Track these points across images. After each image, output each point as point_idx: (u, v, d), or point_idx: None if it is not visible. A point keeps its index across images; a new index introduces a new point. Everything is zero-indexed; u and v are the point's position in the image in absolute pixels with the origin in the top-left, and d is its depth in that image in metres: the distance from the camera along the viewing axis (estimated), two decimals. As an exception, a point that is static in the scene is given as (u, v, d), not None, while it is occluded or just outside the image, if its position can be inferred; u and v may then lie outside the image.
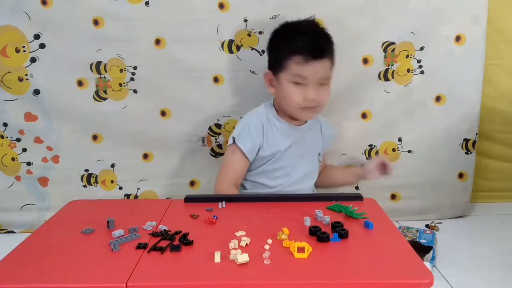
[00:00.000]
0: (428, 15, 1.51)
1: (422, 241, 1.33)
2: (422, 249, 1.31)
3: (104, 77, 1.51)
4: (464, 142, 1.62)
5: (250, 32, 1.49)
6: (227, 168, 1.35)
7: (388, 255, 0.87)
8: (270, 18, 1.48)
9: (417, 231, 1.38)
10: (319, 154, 1.44)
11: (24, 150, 1.56)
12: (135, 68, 1.51)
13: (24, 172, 1.58)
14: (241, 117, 1.40)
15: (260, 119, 1.35)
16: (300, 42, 1.28)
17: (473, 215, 1.70)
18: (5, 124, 1.53)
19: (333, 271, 0.82)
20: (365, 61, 1.54)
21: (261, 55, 1.49)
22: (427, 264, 1.25)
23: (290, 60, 1.27)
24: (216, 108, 1.55)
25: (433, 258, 1.30)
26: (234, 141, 1.32)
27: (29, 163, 1.57)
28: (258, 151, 1.34)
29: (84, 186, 1.60)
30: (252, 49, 1.50)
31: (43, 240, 0.95)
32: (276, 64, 1.31)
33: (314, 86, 1.28)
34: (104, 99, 1.53)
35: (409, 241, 1.27)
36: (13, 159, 1.56)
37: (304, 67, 1.26)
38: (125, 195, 1.62)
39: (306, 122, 1.39)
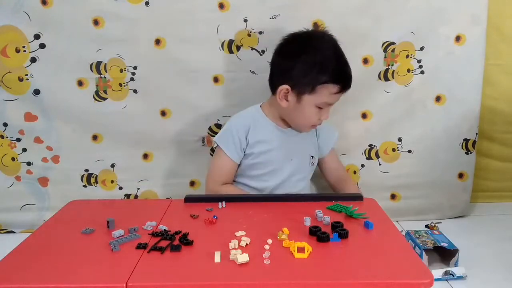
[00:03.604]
0: (428, 15, 1.51)
1: (443, 244, 1.29)
2: (445, 253, 1.29)
3: (104, 77, 1.51)
4: (464, 142, 1.62)
5: (250, 32, 1.49)
6: (213, 170, 1.37)
7: (388, 255, 0.87)
8: (270, 18, 1.48)
9: (426, 233, 1.38)
10: (312, 156, 1.42)
11: (24, 150, 1.56)
12: (135, 68, 1.51)
13: (24, 172, 1.57)
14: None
15: (244, 121, 1.35)
16: (338, 70, 1.26)
17: (473, 215, 1.70)
18: (5, 124, 1.53)
19: (333, 271, 0.82)
20: (365, 61, 1.54)
21: (261, 55, 1.49)
22: (459, 270, 1.23)
23: (324, 88, 1.24)
24: (216, 108, 1.55)
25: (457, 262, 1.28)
26: (217, 142, 1.35)
27: (29, 163, 1.57)
28: (245, 151, 1.35)
29: (84, 186, 1.60)
30: (252, 49, 1.50)
31: (43, 240, 0.95)
32: (301, 82, 1.25)
33: (328, 108, 1.31)
34: (104, 99, 1.53)
35: (432, 248, 1.27)
36: (13, 159, 1.56)
37: (335, 97, 1.28)
38: (125, 195, 1.62)
39: None
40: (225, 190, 1.33)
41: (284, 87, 1.27)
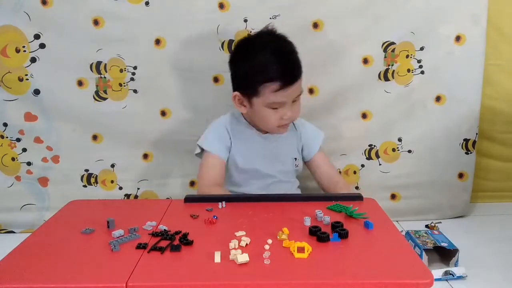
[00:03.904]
0: (428, 15, 1.51)
1: (443, 244, 1.29)
2: (445, 253, 1.30)
3: (104, 77, 1.51)
4: (464, 142, 1.62)
5: (250, 32, 1.49)
6: (202, 173, 1.33)
7: (388, 255, 0.87)
8: (270, 18, 1.48)
9: (426, 233, 1.38)
10: (295, 159, 1.40)
11: (24, 150, 1.56)
12: (135, 68, 1.51)
13: (24, 172, 1.58)
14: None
15: (224, 124, 1.35)
16: (273, 71, 1.20)
17: (473, 215, 1.70)
18: (5, 124, 1.53)
19: (333, 271, 0.82)
20: (365, 61, 1.54)
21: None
22: (459, 270, 1.23)
23: (265, 88, 1.21)
24: (216, 108, 1.55)
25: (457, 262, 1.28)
26: (202, 150, 1.34)
27: (29, 163, 1.57)
28: (230, 150, 1.33)
29: (84, 186, 1.60)
30: (252, 49, 1.50)
31: (43, 240, 0.95)
32: (247, 89, 1.25)
33: (289, 105, 1.26)
34: (104, 99, 1.53)
35: (432, 248, 1.27)
36: (13, 159, 1.56)
37: (280, 94, 1.22)
38: (125, 195, 1.62)
39: None
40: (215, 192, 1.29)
41: (236, 94, 1.28)
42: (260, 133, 1.36)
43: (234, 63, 1.31)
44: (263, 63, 1.22)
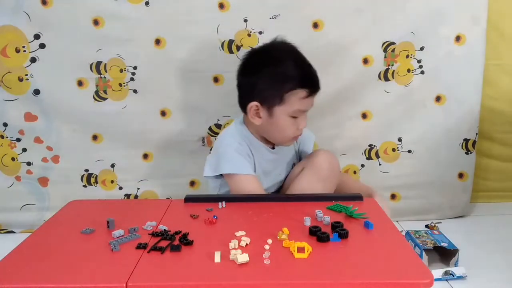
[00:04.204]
0: (428, 15, 1.51)
1: (443, 244, 1.30)
2: (445, 253, 1.30)
3: (104, 77, 1.51)
4: (464, 142, 1.62)
5: (250, 32, 1.49)
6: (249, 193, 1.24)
7: (388, 255, 0.87)
8: (270, 18, 1.48)
9: (426, 233, 1.38)
10: (294, 164, 1.39)
11: (24, 150, 1.56)
12: (135, 68, 1.51)
13: (24, 172, 1.58)
14: (215, 140, 1.35)
15: (236, 140, 1.28)
16: (302, 74, 1.22)
17: (473, 215, 1.70)
18: (5, 124, 1.53)
19: (333, 271, 0.82)
20: (365, 61, 1.54)
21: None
22: (459, 270, 1.24)
23: (292, 95, 1.21)
24: (216, 108, 1.55)
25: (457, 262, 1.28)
26: (228, 173, 1.25)
27: (29, 163, 1.57)
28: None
29: (84, 186, 1.60)
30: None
31: (43, 240, 0.95)
32: (268, 95, 1.22)
33: (304, 115, 1.27)
34: (104, 99, 1.53)
35: (432, 248, 1.27)
36: (13, 159, 1.56)
37: (305, 101, 1.23)
38: (125, 195, 1.62)
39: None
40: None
41: (253, 104, 1.24)
42: (269, 148, 1.33)
43: (252, 70, 1.27)
44: (292, 70, 1.22)
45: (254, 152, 1.30)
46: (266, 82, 1.23)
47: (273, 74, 1.22)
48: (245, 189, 1.23)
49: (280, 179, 1.37)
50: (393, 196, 1.65)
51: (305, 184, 1.26)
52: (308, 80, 1.23)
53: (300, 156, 1.43)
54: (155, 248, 0.88)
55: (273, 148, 1.34)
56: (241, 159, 1.25)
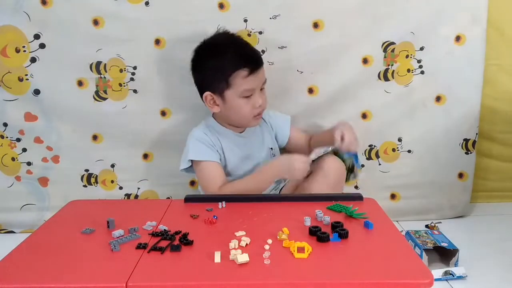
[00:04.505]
0: (428, 15, 1.51)
1: (444, 244, 1.30)
2: (445, 253, 1.30)
3: (104, 77, 1.51)
4: (464, 142, 1.62)
5: (250, 32, 1.49)
6: (209, 179, 1.34)
7: (388, 255, 0.87)
8: (270, 18, 1.48)
9: (426, 233, 1.38)
10: (271, 148, 1.46)
11: (24, 150, 1.56)
12: (135, 68, 1.51)
13: (24, 172, 1.57)
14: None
15: (203, 132, 1.39)
16: (239, 57, 1.30)
17: (473, 215, 1.70)
18: (5, 124, 1.53)
19: (333, 271, 0.82)
20: (365, 61, 1.54)
21: (261, 55, 1.49)
22: (459, 270, 1.24)
23: (235, 77, 1.29)
24: (216, 108, 1.55)
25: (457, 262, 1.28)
26: (192, 163, 1.36)
27: (29, 163, 1.57)
28: (223, 154, 1.38)
29: (84, 186, 1.60)
30: (252, 49, 1.50)
31: (43, 240, 0.95)
32: (216, 84, 1.31)
33: (258, 93, 1.34)
34: (104, 99, 1.53)
35: (432, 248, 1.27)
36: (13, 159, 1.56)
37: (250, 80, 1.30)
38: (125, 195, 1.62)
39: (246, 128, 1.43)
40: (230, 189, 1.30)
41: (207, 94, 1.34)
42: (237, 133, 1.41)
43: (199, 66, 1.37)
44: (229, 56, 1.30)
45: (223, 139, 1.39)
46: (210, 72, 1.33)
47: (213, 63, 1.32)
48: (208, 175, 1.34)
49: (258, 161, 1.41)
50: (393, 196, 1.65)
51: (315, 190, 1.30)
52: (245, 59, 1.30)
53: (277, 139, 1.49)
54: (155, 248, 0.88)
55: (242, 132, 1.42)
56: (203, 147, 1.35)
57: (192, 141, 1.38)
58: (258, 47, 1.49)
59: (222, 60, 1.30)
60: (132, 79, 1.52)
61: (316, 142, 1.44)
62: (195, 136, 1.38)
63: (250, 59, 1.31)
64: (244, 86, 1.30)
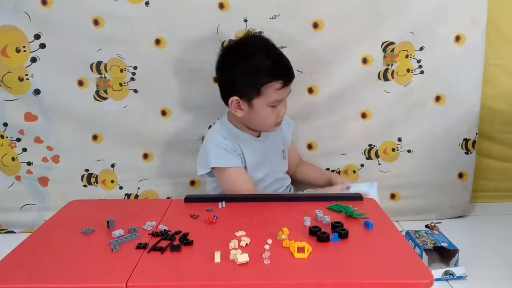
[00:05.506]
0: (428, 15, 1.51)
1: (444, 244, 1.30)
2: (445, 253, 1.30)
3: (105, 77, 1.51)
4: (464, 142, 1.62)
5: (250, 32, 1.49)
6: (237, 186, 1.31)
7: (388, 255, 0.87)
8: (270, 18, 1.48)
9: (426, 233, 1.38)
10: (283, 150, 1.46)
11: (24, 150, 1.56)
12: (135, 68, 1.51)
13: (24, 172, 1.58)
14: (202, 142, 1.42)
15: (221, 135, 1.35)
16: (276, 68, 1.28)
17: (473, 215, 1.70)
18: (5, 124, 1.54)
19: (333, 271, 0.82)
20: (365, 61, 1.54)
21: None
22: (459, 270, 1.24)
23: (268, 87, 1.27)
24: (216, 108, 1.54)
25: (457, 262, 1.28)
26: (212, 169, 1.32)
27: (29, 163, 1.57)
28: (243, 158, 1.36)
29: (84, 186, 1.60)
30: (252, 49, 1.50)
31: (43, 240, 0.95)
32: (246, 90, 1.28)
33: (283, 103, 1.33)
34: (105, 99, 1.53)
35: (432, 248, 1.27)
36: (13, 159, 1.56)
37: (281, 92, 1.29)
38: (125, 195, 1.62)
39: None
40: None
41: (234, 99, 1.30)
42: (254, 137, 1.39)
43: (228, 67, 1.33)
44: (265, 66, 1.27)
45: (242, 144, 1.36)
46: (242, 77, 1.29)
47: (247, 69, 1.28)
48: (235, 181, 1.31)
49: (274, 166, 1.42)
50: (393, 196, 1.66)
51: None
52: (281, 71, 1.29)
53: (284, 141, 1.49)
54: (155, 248, 0.88)
55: (259, 136, 1.40)
56: (224, 153, 1.32)
57: (212, 146, 1.33)
58: (258, 47, 1.49)
59: (257, 68, 1.27)
60: (132, 79, 1.52)
61: (314, 176, 1.51)
62: (215, 141, 1.33)
63: (285, 72, 1.30)
64: (275, 97, 1.28)
